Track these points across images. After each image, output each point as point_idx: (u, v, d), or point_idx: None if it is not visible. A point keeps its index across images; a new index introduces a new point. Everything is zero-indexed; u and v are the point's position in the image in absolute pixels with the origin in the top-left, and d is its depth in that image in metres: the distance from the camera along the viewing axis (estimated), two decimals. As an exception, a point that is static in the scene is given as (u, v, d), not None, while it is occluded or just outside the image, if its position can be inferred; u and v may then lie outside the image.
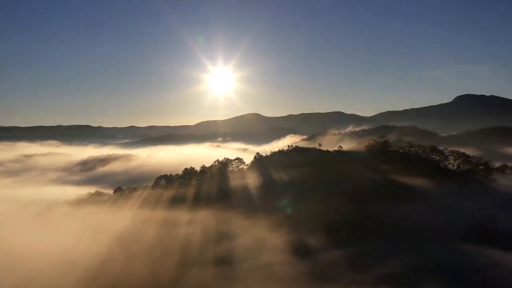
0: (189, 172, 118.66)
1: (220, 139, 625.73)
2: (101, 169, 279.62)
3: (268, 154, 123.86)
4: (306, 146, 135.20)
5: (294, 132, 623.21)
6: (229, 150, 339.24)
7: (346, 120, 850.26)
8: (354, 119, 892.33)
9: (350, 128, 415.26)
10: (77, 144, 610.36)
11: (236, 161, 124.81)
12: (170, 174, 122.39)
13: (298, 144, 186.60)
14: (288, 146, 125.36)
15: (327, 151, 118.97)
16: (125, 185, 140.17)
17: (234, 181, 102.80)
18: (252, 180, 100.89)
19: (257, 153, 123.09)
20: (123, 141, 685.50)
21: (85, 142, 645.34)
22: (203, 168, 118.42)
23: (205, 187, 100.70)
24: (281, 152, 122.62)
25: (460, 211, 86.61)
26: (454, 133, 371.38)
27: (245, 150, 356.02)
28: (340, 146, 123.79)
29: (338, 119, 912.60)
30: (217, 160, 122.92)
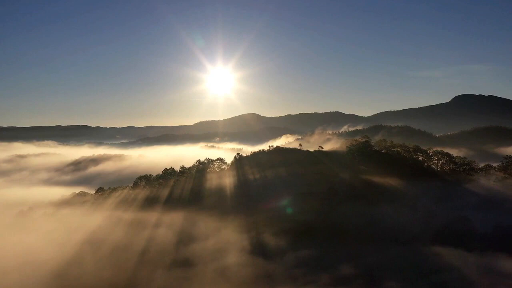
0: (169, 173, 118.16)
1: (217, 139, 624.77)
2: (92, 169, 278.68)
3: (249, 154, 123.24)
4: (288, 147, 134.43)
5: (292, 132, 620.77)
6: (222, 151, 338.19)
7: (344, 120, 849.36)
8: (352, 119, 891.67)
9: (344, 128, 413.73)
10: (74, 145, 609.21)
11: (218, 161, 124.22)
12: (150, 175, 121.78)
13: (291, 144, 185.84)
14: (269, 146, 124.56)
15: (307, 152, 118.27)
16: (114, 185, 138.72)
17: (211, 182, 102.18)
18: (228, 181, 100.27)
19: (237, 153, 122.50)
20: (120, 141, 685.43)
21: (82, 143, 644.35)
22: (183, 168, 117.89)
23: (180, 188, 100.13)
24: (261, 152, 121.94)
25: (434, 212, 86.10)
26: (449, 133, 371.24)
27: (239, 150, 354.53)
28: (320, 146, 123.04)
29: (336, 119, 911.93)
30: (198, 160, 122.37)
